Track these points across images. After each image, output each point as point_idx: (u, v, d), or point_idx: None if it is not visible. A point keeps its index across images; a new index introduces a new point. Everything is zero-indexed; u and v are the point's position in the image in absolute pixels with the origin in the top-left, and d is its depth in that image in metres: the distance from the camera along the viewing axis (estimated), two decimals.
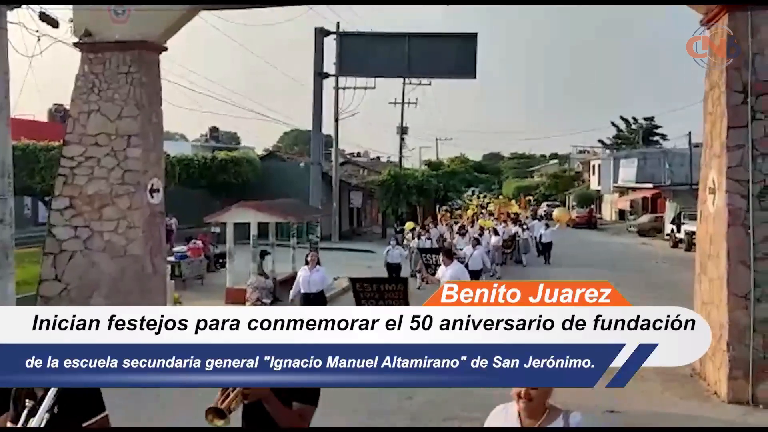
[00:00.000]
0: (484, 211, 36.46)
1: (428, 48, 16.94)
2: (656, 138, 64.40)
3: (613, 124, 68.70)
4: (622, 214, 52.02)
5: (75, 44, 10.63)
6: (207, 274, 18.06)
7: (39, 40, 10.81)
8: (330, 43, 17.92)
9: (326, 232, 28.00)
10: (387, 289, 11.00)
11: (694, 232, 15.21)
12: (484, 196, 59.73)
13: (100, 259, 10.24)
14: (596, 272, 20.51)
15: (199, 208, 22.55)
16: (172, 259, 16.36)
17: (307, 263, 11.11)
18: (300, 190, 22.26)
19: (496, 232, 21.70)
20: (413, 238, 20.39)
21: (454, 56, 16.89)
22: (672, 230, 33.27)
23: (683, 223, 30.91)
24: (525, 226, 24.98)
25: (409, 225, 21.72)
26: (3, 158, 9.10)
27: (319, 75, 18.00)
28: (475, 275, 14.99)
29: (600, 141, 70.34)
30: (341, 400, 8.35)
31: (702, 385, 9.18)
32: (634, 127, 66.20)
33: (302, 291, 10.91)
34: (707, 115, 9.51)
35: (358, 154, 66.82)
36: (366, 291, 11.01)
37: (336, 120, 28.08)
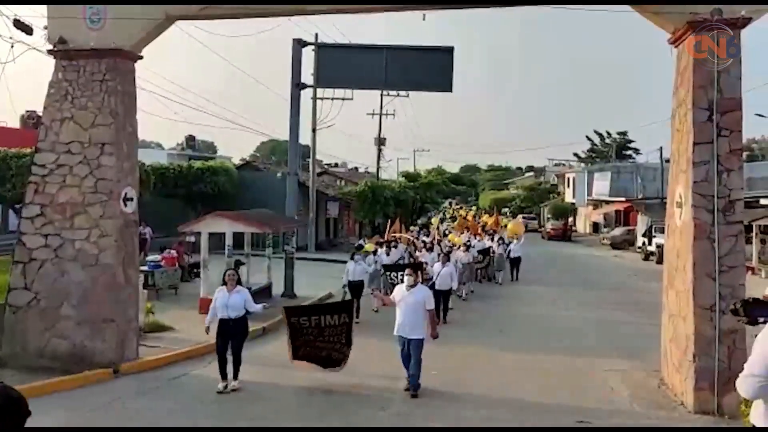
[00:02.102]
0: (448, 223, 35.37)
1: (405, 61, 16.99)
2: (629, 152, 65.70)
3: (587, 138, 70.06)
4: (596, 226, 52.86)
5: (49, 51, 10.51)
6: (181, 283, 17.91)
7: (12, 47, 10.74)
8: (308, 54, 17.97)
9: (302, 242, 28.00)
10: (328, 323, 9.48)
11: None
12: (459, 207, 60.01)
13: (71, 268, 10.09)
14: (570, 291, 20.73)
15: (174, 217, 22.37)
16: (145, 268, 16.21)
17: (224, 283, 9.33)
18: (276, 200, 22.19)
19: (467, 248, 20.03)
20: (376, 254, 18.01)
21: (431, 69, 16.98)
22: (644, 243, 33.93)
23: (654, 236, 31.55)
24: (500, 241, 23.76)
25: (369, 246, 18.67)
26: None
27: (297, 85, 17.99)
28: (444, 296, 14.38)
29: (575, 154, 71.80)
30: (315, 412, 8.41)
31: (669, 396, 9.34)
32: (608, 141, 67.52)
33: (219, 316, 9.15)
34: (674, 132, 9.73)
35: (336, 165, 66.95)
36: (302, 326, 9.52)
37: (313, 130, 28.19)
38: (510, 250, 23.10)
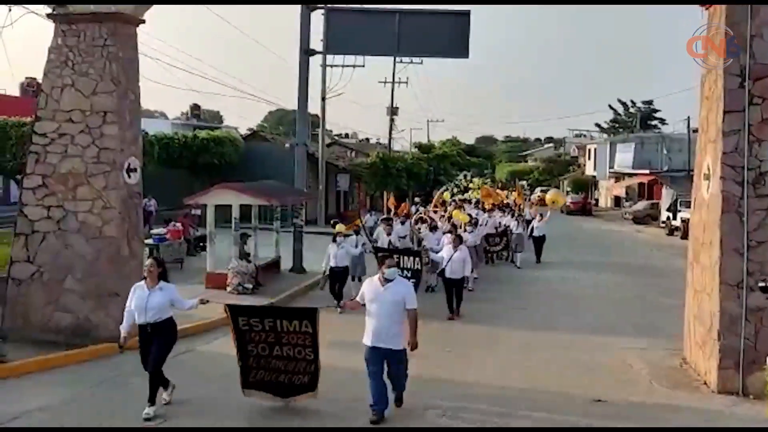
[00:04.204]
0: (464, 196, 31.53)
1: (419, 26, 16.32)
2: (655, 122, 64.02)
3: (610, 107, 68.36)
4: (617, 200, 51.95)
5: (48, 15, 10.17)
6: (187, 257, 17.69)
7: (10, 10, 10.39)
8: (317, 19, 17.34)
9: (311, 215, 27.70)
10: (286, 329, 7.09)
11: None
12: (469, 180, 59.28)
13: (75, 240, 9.85)
14: (589, 267, 19.99)
15: (179, 189, 22.05)
16: (150, 241, 16.02)
17: (144, 278, 7.38)
18: (284, 171, 21.81)
19: (475, 225, 17.08)
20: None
21: (446, 35, 16.33)
22: (668, 217, 33.23)
23: (679, 210, 30.87)
24: (520, 217, 20.89)
25: (340, 227, 14.09)
26: None
27: (305, 52, 17.47)
28: (456, 286, 12.47)
29: (597, 125, 70.16)
30: None
31: (692, 375, 9.11)
32: (632, 110, 65.77)
33: (137, 321, 7.26)
34: (703, 99, 9.32)
35: (346, 135, 66.34)
36: (254, 330, 7.19)
37: (323, 99, 27.64)
38: (532, 228, 20.62)
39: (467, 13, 16.41)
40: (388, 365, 7.07)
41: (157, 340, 7.22)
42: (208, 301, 7.76)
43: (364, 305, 7.23)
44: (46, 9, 10.18)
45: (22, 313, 9.91)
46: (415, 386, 7.78)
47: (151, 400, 7.11)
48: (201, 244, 18.29)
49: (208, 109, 62.98)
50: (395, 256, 11.70)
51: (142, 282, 7.36)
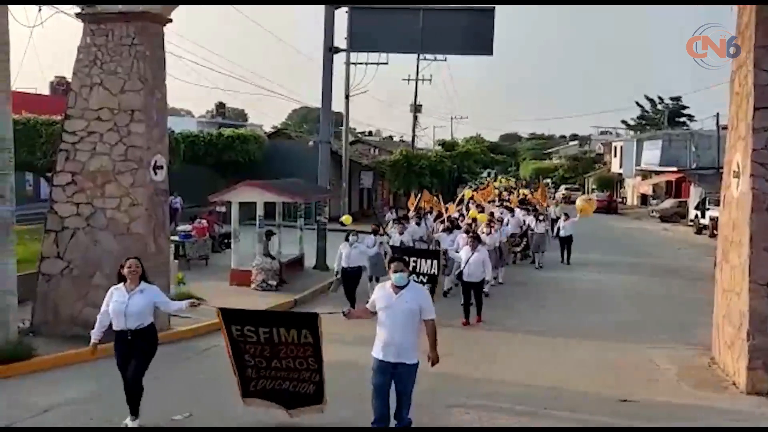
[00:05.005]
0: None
1: (443, 22, 16.27)
2: (683, 119, 62.88)
3: (637, 104, 67.36)
4: (644, 198, 51.23)
5: (77, 15, 10.32)
6: (212, 254, 17.87)
7: (40, 10, 10.55)
8: (341, 16, 17.36)
9: (335, 213, 27.72)
10: (283, 340, 6.25)
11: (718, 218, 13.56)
12: (493, 178, 58.85)
13: (103, 237, 10.01)
14: (615, 266, 19.74)
15: (205, 186, 22.26)
16: (176, 238, 16.19)
17: (122, 280, 6.62)
18: (308, 169, 21.84)
19: (501, 223, 16.79)
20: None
21: (470, 32, 16.21)
22: (696, 216, 32.72)
23: (708, 209, 30.37)
24: (541, 217, 19.84)
25: (346, 219, 15.21)
26: (3, 133, 8.85)
27: (330, 50, 17.48)
28: (475, 290, 11.75)
29: (623, 121, 69.19)
30: None
31: (720, 375, 8.96)
32: (659, 107, 64.69)
33: (115, 327, 6.53)
34: (733, 95, 9.16)
35: (370, 133, 66.37)
36: (248, 341, 6.36)
37: (346, 97, 27.57)
38: (559, 228, 19.80)
39: (492, 10, 16.31)
40: (395, 382, 6.15)
41: (139, 348, 6.52)
42: (200, 303, 7.04)
43: (374, 313, 6.32)
44: (75, 9, 10.33)
45: (53, 308, 10.08)
46: (438, 383, 7.76)
47: (135, 413, 6.55)
48: (226, 241, 18.44)
49: (232, 108, 63.51)
50: (412, 258, 11.41)
51: (121, 284, 6.61)
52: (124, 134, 10.07)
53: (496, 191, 32.27)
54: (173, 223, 18.29)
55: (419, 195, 23.68)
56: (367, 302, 6.61)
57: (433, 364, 6.30)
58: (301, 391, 6.56)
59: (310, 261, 17.07)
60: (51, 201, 10.36)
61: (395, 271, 6.19)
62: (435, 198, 22.83)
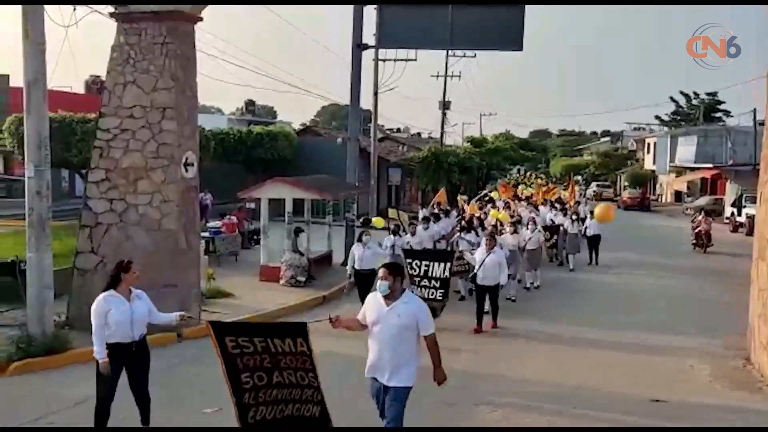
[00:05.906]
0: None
1: (473, 18, 16.13)
2: (719, 115, 61.41)
3: (672, 99, 65.86)
4: (678, 195, 50.24)
5: (111, 14, 10.49)
6: (241, 250, 18.03)
7: (75, 9, 10.72)
8: (370, 13, 17.36)
9: (363, 210, 27.76)
10: (281, 350, 5.35)
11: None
12: (522, 175, 58.13)
13: (135, 232, 10.18)
14: (653, 272, 18.36)
15: (234, 183, 22.50)
16: (206, 234, 16.37)
17: (115, 283, 6.12)
18: (337, 166, 21.94)
19: (528, 225, 15.70)
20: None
21: (500, 27, 16.07)
22: (732, 213, 32.02)
23: (745, 206, 29.67)
24: (574, 216, 18.85)
25: (377, 221, 15.51)
26: (40, 130, 9.03)
27: (358, 47, 17.49)
28: (491, 294, 11.04)
29: (657, 117, 67.84)
30: None
31: (755, 376, 8.79)
32: (694, 102, 63.10)
33: (121, 340, 6.07)
34: None
35: (398, 130, 66.24)
36: (245, 353, 5.38)
37: (375, 94, 27.58)
38: (587, 227, 18.91)
39: (521, 6, 16.17)
40: (384, 400, 5.44)
41: (143, 361, 6.17)
42: (190, 317, 6.58)
43: (365, 326, 5.52)
44: (109, 8, 10.49)
45: (87, 302, 10.15)
46: (466, 381, 7.72)
47: (146, 422, 6.32)
48: (255, 237, 18.59)
49: (262, 105, 64.05)
50: (424, 262, 10.62)
51: (111, 290, 6.03)
52: (156, 131, 10.22)
53: (528, 191, 31.75)
54: (204, 219, 18.49)
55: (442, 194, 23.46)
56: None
57: (440, 383, 5.57)
58: (307, 415, 5.60)
59: (338, 257, 17.13)
60: (85, 197, 10.58)
61: (380, 278, 5.30)
62: (460, 196, 22.63)
